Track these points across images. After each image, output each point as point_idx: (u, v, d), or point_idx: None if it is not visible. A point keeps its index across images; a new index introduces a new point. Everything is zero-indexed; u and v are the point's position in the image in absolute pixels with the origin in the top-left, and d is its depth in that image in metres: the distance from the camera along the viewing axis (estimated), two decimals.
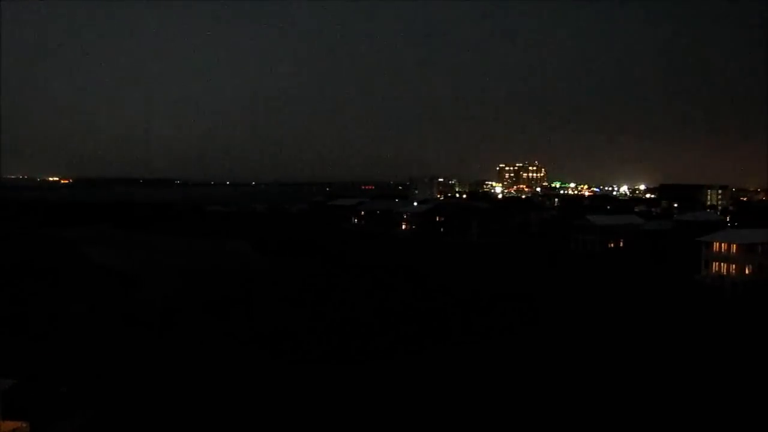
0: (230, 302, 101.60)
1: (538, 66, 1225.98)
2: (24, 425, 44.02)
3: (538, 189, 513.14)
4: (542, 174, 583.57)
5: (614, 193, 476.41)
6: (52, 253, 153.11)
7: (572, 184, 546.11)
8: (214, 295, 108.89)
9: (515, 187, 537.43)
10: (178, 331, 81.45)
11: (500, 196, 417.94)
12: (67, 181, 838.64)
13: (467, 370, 65.48)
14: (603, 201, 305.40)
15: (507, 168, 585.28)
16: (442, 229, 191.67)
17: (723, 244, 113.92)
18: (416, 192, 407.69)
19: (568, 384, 61.26)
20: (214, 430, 50.57)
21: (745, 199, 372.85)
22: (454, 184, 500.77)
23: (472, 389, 59.65)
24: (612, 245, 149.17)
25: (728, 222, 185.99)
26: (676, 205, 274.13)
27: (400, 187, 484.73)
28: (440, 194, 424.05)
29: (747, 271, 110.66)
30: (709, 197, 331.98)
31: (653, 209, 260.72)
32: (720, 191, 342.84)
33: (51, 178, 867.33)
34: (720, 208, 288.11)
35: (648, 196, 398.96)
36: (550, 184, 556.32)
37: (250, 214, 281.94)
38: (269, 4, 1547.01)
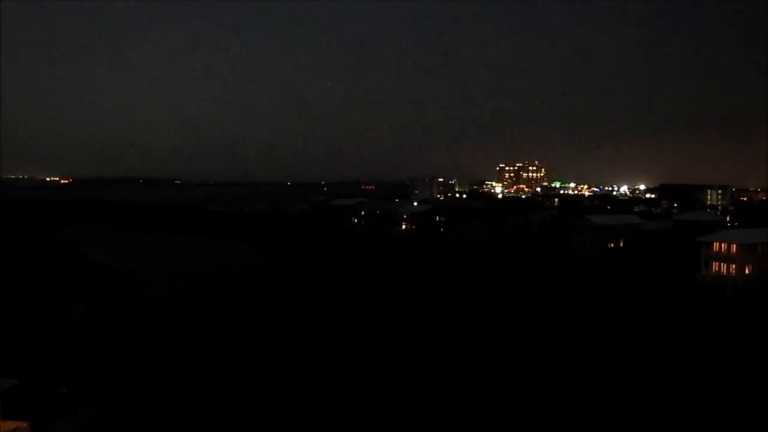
0: (229, 302, 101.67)
1: (539, 66, 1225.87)
2: (24, 425, 44.01)
3: (538, 189, 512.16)
4: (542, 174, 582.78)
5: (614, 193, 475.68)
6: (51, 253, 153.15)
7: (572, 184, 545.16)
8: (213, 294, 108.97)
9: (515, 187, 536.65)
10: (178, 330, 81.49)
11: (500, 196, 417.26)
12: (67, 181, 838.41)
13: (467, 372, 65.48)
14: (603, 201, 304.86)
15: (507, 168, 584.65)
16: (442, 229, 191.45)
17: (723, 244, 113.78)
18: (416, 192, 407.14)
19: (568, 386, 61.26)
20: (214, 430, 50.59)
21: (745, 199, 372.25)
22: (454, 184, 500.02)
23: (471, 391, 59.66)
24: (612, 245, 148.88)
25: (728, 222, 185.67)
26: (676, 205, 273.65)
27: (401, 186, 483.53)
28: (440, 194, 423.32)
29: (747, 271, 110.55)
30: (709, 197, 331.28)
31: (653, 209, 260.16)
32: (720, 191, 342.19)
33: (51, 178, 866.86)
34: (720, 208, 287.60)
35: (648, 196, 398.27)
36: (550, 184, 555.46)
37: (250, 214, 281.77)
38: (271, 3, 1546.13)
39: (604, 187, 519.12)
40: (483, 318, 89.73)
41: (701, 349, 73.51)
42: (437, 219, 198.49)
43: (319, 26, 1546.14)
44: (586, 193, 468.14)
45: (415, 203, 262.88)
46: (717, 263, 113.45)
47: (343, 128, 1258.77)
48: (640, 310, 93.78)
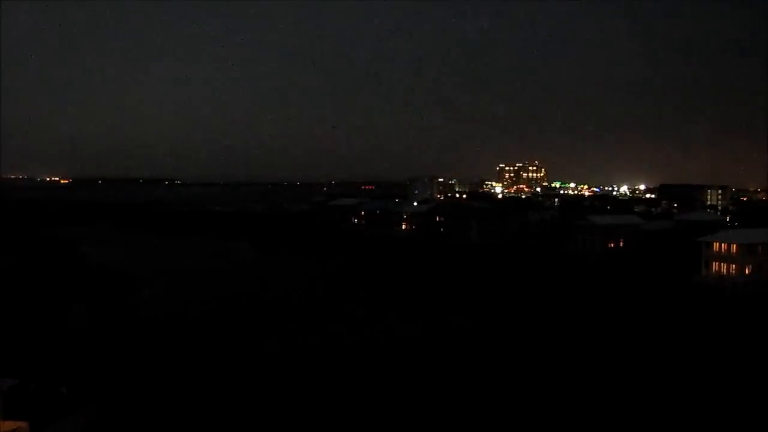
0: (230, 302, 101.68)
1: (538, 65, 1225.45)
2: (24, 425, 44.01)
3: (538, 189, 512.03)
4: (542, 174, 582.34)
5: (614, 193, 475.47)
6: (52, 253, 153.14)
7: (572, 184, 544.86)
8: (214, 294, 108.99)
9: (515, 187, 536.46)
10: (178, 331, 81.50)
11: (500, 196, 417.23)
12: (67, 181, 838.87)
13: (467, 372, 65.50)
14: (603, 201, 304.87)
15: (507, 168, 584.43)
16: (441, 230, 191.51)
17: (723, 244, 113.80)
18: (416, 192, 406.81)
19: (567, 386, 61.27)
20: (214, 431, 50.60)
21: (745, 199, 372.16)
22: (454, 184, 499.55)
23: (471, 391, 59.67)
24: (612, 245, 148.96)
25: (728, 222, 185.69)
26: (676, 205, 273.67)
27: (401, 186, 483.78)
28: (440, 194, 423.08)
29: (747, 271, 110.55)
30: (709, 197, 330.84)
31: (653, 209, 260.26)
32: (720, 191, 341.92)
33: (51, 178, 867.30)
34: (720, 208, 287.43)
35: (648, 196, 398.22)
36: (550, 184, 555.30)
37: (250, 214, 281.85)
38: (273, 3, 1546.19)
39: (604, 187, 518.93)
40: (483, 318, 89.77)
41: (701, 349, 73.53)
42: (437, 219, 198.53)
43: (319, 26, 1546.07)
44: (586, 193, 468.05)
45: (415, 203, 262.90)
46: (717, 263, 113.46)
47: (343, 128, 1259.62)
48: (640, 310, 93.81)
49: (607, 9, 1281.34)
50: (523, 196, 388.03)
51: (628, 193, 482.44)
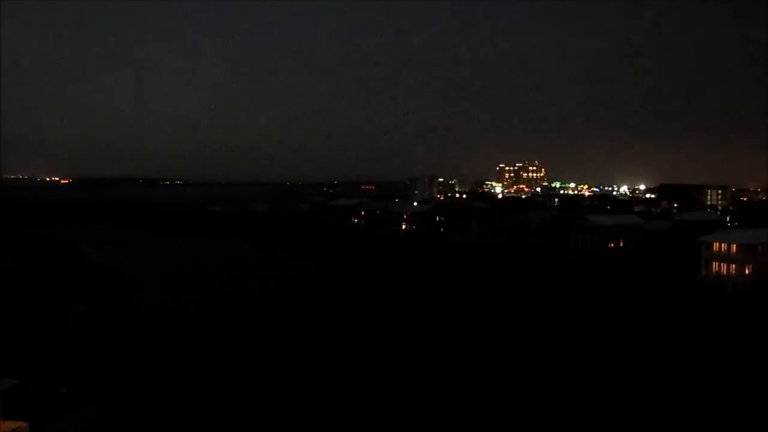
0: (230, 302, 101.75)
1: (539, 65, 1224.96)
2: (24, 425, 44.01)
3: (538, 189, 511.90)
4: (542, 174, 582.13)
5: (614, 193, 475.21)
6: (52, 253, 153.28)
7: (572, 184, 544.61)
8: (213, 294, 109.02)
9: (515, 187, 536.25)
10: (178, 331, 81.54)
11: (500, 196, 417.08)
12: (67, 181, 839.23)
13: (465, 375, 65.51)
14: (603, 201, 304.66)
15: (507, 168, 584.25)
16: (442, 229, 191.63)
17: (723, 244, 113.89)
18: (416, 192, 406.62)
19: (567, 385, 61.27)
20: (213, 431, 50.60)
21: (745, 199, 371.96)
22: (454, 184, 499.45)
23: (470, 392, 59.68)
24: (612, 245, 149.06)
25: (728, 222, 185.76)
26: (676, 205, 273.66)
27: (401, 186, 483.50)
28: (440, 194, 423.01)
29: (747, 271, 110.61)
30: (709, 197, 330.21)
31: (653, 209, 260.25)
32: (720, 191, 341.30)
33: (51, 178, 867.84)
34: (720, 208, 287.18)
35: (648, 196, 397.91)
36: (550, 184, 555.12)
37: (250, 214, 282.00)
38: (271, 4, 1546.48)
39: (604, 187, 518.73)
40: (484, 318, 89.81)
41: (701, 348, 73.55)
42: (437, 219, 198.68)
43: (318, 27, 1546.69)
44: (586, 193, 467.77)
45: (415, 203, 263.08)
46: (717, 263, 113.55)
47: (343, 128, 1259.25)
48: (640, 309, 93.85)
49: (606, 9, 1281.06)
50: (523, 196, 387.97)
51: (628, 193, 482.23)
